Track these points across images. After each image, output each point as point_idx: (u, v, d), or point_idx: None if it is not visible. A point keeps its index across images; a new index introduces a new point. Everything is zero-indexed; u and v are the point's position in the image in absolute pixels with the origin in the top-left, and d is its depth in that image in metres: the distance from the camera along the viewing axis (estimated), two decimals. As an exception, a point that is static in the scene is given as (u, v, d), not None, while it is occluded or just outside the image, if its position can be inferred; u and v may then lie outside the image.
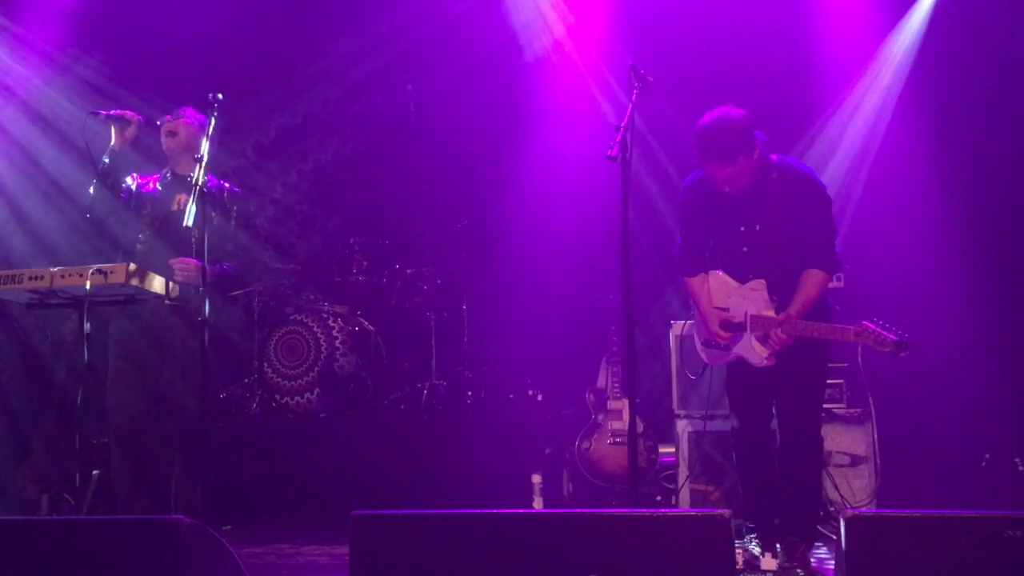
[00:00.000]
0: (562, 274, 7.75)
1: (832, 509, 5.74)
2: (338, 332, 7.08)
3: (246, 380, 7.30)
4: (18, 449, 6.57)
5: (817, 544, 5.04)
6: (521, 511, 3.53)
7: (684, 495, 6.05)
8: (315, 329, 7.06)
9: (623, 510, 4.09)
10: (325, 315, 7.13)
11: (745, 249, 4.79)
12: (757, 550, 4.85)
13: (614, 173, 4.38)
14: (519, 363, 7.58)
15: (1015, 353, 6.90)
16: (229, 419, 6.99)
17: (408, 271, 7.54)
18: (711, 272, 4.91)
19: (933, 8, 7.34)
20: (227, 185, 5.45)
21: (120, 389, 5.13)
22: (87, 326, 4.71)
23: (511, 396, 7.35)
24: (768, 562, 4.75)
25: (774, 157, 4.79)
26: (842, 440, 5.99)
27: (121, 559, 3.17)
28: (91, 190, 5.23)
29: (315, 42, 8.26)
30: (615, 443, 6.39)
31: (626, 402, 6.09)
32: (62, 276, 4.67)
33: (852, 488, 5.92)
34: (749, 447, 4.94)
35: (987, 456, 6.63)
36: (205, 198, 4.70)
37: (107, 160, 5.17)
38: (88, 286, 4.63)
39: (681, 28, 7.48)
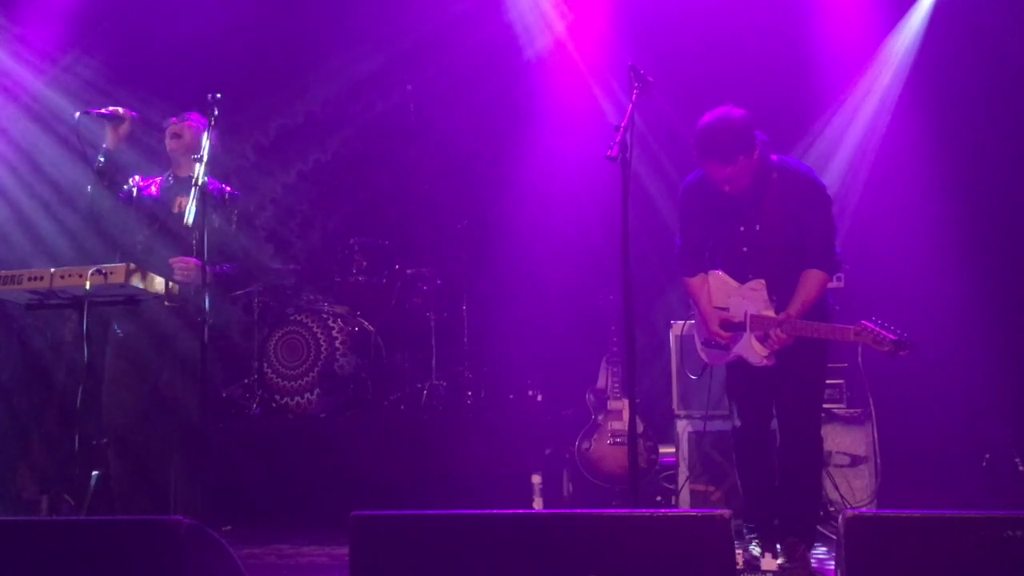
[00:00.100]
0: (562, 274, 7.75)
1: (832, 509, 5.74)
2: (338, 332, 7.07)
3: (246, 380, 7.30)
4: (18, 449, 6.57)
5: (817, 544, 5.03)
6: (521, 511, 3.53)
7: (684, 495, 6.05)
8: (315, 329, 7.06)
9: (623, 510, 4.08)
10: (325, 315, 7.13)
11: (745, 249, 4.79)
12: (757, 550, 4.85)
13: (614, 173, 4.38)
14: (519, 363, 7.58)
15: (1015, 353, 6.90)
16: (229, 419, 6.99)
17: (408, 271, 7.54)
18: (711, 272, 4.91)
19: (933, 8, 7.35)
20: (228, 188, 5.45)
21: (119, 389, 5.13)
22: (86, 326, 4.71)
23: (511, 396, 7.35)
24: (768, 562, 4.75)
25: (774, 157, 4.79)
26: (842, 440, 5.99)
27: (121, 559, 3.17)
28: (88, 190, 5.22)
29: (315, 42, 8.26)
30: (615, 443, 6.39)
31: (626, 402, 6.08)
32: (62, 276, 4.67)
33: (852, 488, 5.92)
34: (749, 447, 4.94)
35: (987, 456, 6.63)
36: (206, 199, 4.70)
37: (102, 160, 5.17)
38: (88, 286, 4.63)
39: (681, 28, 7.49)
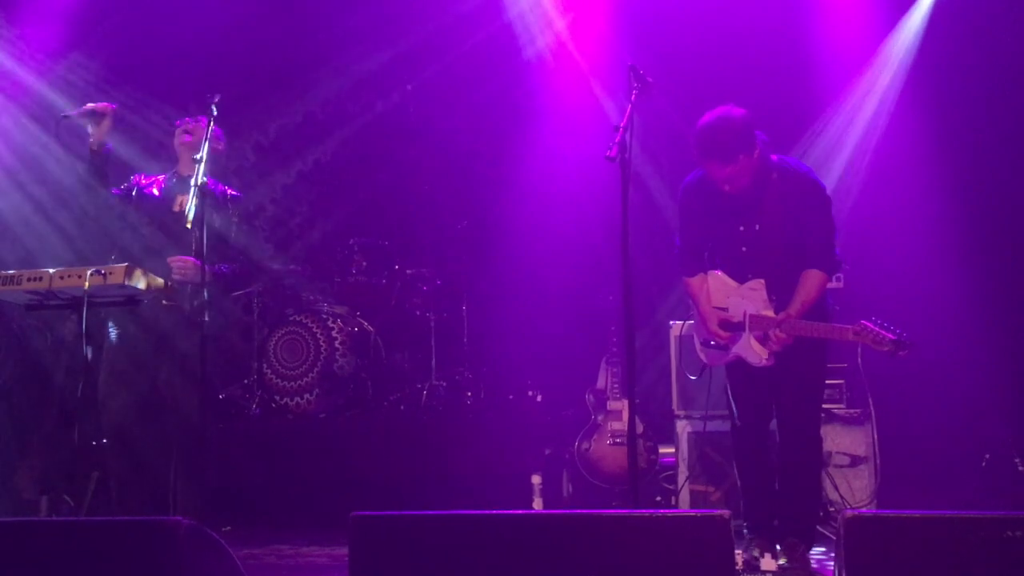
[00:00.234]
0: (562, 274, 7.75)
1: (832, 509, 5.74)
2: (338, 333, 7.07)
3: (245, 381, 7.30)
4: (17, 450, 6.56)
5: (817, 544, 5.03)
6: (521, 512, 3.53)
7: (684, 496, 6.05)
8: (315, 330, 7.06)
9: (623, 511, 4.08)
10: (325, 316, 7.13)
11: (744, 249, 4.78)
12: (757, 551, 4.84)
13: (614, 173, 4.38)
14: (519, 364, 7.58)
15: (1015, 353, 6.90)
16: (228, 420, 6.98)
17: (408, 272, 7.54)
18: (710, 272, 4.90)
19: (932, 8, 7.34)
20: (229, 190, 5.46)
21: (118, 390, 5.13)
22: (86, 327, 4.70)
23: (511, 397, 7.35)
24: (768, 563, 4.74)
25: (774, 157, 4.79)
26: (842, 440, 5.99)
27: (120, 560, 3.17)
28: (81, 192, 5.23)
29: (315, 42, 8.26)
30: (615, 444, 6.39)
31: (626, 402, 6.08)
32: (61, 277, 4.67)
33: (852, 488, 5.92)
34: (749, 447, 4.93)
35: (987, 456, 6.63)
36: (207, 200, 4.71)
37: (89, 160, 5.16)
38: (87, 287, 4.62)
39: (681, 28, 7.49)
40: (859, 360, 5.71)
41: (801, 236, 4.71)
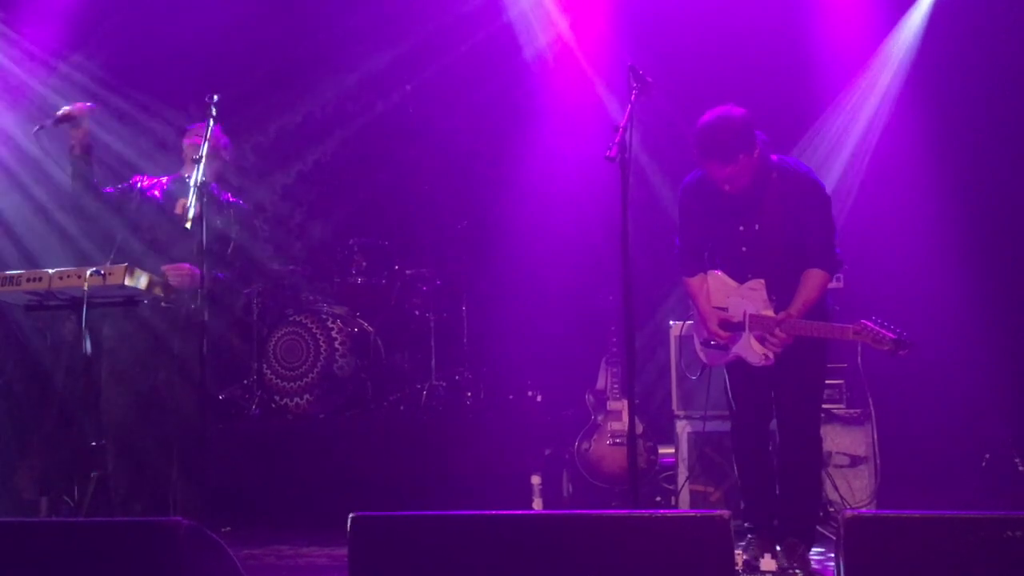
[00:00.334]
0: (562, 274, 7.75)
1: (832, 510, 5.74)
2: (337, 333, 7.07)
3: (245, 381, 7.30)
4: (17, 450, 6.56)
5: (817, 545, 5.02)
6: (521, 512, 3.53)
7: (684, 496, 6.05)
8: (314, 330, 7.06)
9: (623, 511, 4.08)
10: (324, 316, 7.13)
11: (744, 249, 4.78)
12: (757, 551, 4.84)
13: (614, 173, 4.38)
14: (519, 364, 7.58)
15: (1015, 353, 6.90)
16: (228, 420, 6.98)
17: (407, 272, 7.54)
18: (710, 272, 4.90)
19: (932, 8, 7.34)
20: (232, 198, 5.48)
21: (117, 390, 5.13)
22: (85, 328, 4.71)
23: (511, 397, 7.34)
24: (767, 563, 4.74)
25: (774, 157, 4.79)
26: (842, 440, 5.99)
27: (120, 561, 3.16)
28: (75, 195, 5.23)
29: (315, 43, 8.25)
30: (615, 444, 6.38)
31: (625, 403, 6.08)
32: (60, 278, 4.67)
33: (852, 488, 5.91)
34: (748, 448, 4.93)
35: (987, 456, 6.62)
36: (211, 204, 4.72)
37: (72, 165, 5.15)
38: (86, 287, 4.62)
39: (681, 28, 7.49)
40: (859, 360, 5.71)
41: (801, 236, 4.70)
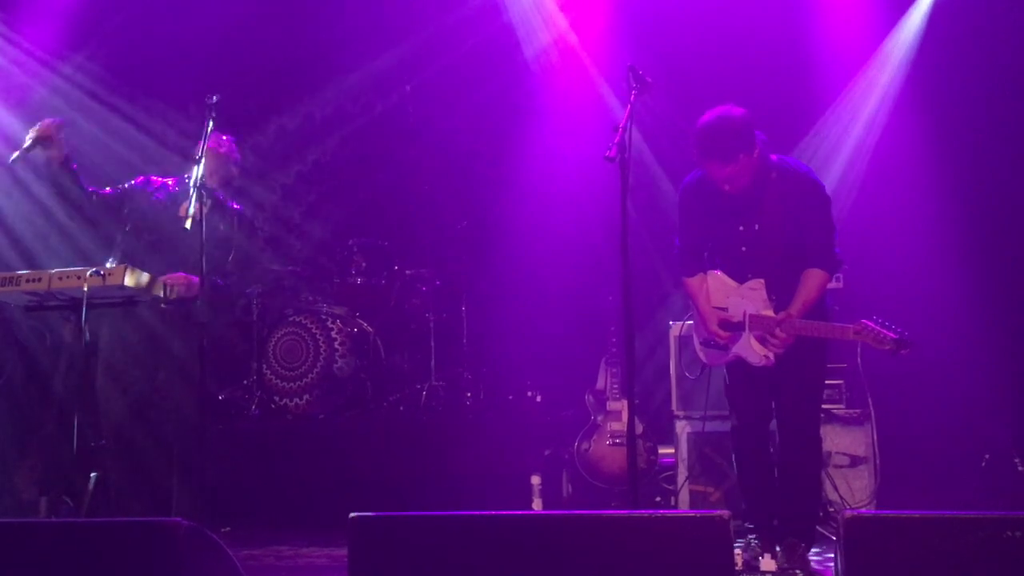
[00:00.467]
0: (562, 274, 7.74)
1: (832, 510, 5.74)
2: (337, 333, 7.07)
3: (245, 382, 7.29)
4: (17, 451, 6.56)
5: (816, 545, 5.02)
6: (520, 512, 3.52)
7: (683, 496, 6.05)
8: (314, 330, 7.06)
9: (622, 511, 4.08)
10: (324, 316, 7.13)
11: (744, 249, 4.78)
12: (757, 551, 4.84)
13: (614, 173, 4.38)
14: (518, 364, 7.57)
15: (1015, 353, 6.89)
16: (228, 421, 6.98)
17: (407, 272, 7.54)
18: (709, 272, 4.90)
19: (932, 7, 7.34)
20: (236, 206, 5.49)
21: (117, 391, 5.13)
22: (85, 328, 4.70)
23: (510, 397, 7.34)
24: (767, 563, 4.74)
25: (773, 157, 4.79)
26: (841, 441, 5.99)
27: (119, 561, 3.16)
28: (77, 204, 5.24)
29: (314, 43, 8.25)
30: (614, 444, 6.38)
31: (625, 403, 6.08)
32: (60, 278, 4.66)
33: (852, 489, 5.91)
34: (748, 448, 4.93)
35: (987, 456, 6.62)
36: (216, 209, 4.72)
37: (53, 184, 5.14)
38: (86, 288, 4.62)
39: (681, 28, 7.48)
40: (859, 360, 5.71)
41: (801, 236, 4.70)
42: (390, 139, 8.52)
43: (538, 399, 7.17)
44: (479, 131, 8.30)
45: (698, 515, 3.06)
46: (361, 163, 8.68)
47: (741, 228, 4.77)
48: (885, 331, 4.53)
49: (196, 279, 4.83)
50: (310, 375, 6.99)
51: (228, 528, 5.90)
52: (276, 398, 7.00)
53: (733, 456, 5.07)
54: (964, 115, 7.07)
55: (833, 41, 7.43)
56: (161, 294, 4.91)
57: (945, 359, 6.64)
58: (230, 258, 5.35)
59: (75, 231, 6.76)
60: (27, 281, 4.69)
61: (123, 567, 3.16)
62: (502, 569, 3.07)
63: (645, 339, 7.24)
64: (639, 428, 5.88)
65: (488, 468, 6.36)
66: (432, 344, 7.32)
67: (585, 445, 6.47)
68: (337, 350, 7.03)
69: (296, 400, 6.98)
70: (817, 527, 5.07)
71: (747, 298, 4.76)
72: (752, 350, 4.74)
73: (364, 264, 7.48)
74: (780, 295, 4.71)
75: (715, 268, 4.88)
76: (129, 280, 4.69)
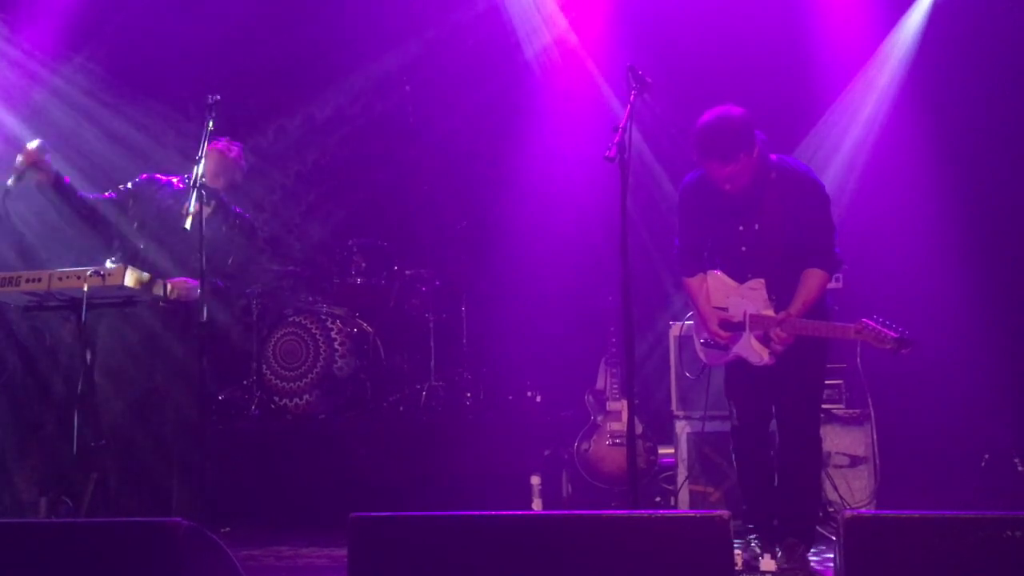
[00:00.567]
0: (562, 275, 7.74)
1: (831, 510, 5.74)
2: (337, 334, 7.07)
3: (244, 382, 7.29)
4: (17, 451, 6.56)
5: (816, 545, 5.02)
6: (520, 513, 3.52)
7: (683, 496, 6.05)
8: (314, 331, 7.06)
9: (622, 512, 4.08)
10: (324, 317, 7.13)
11: (744, 248, 4.78)
12: (757, 551, 4.84)
13: (614, 173, 4.38)
14: (518, 364, 7.57)
15: (1015, 353, 6.89)
16: (228, 421, 6.98)
17: (407, 272, 7.54)
18: (709, 272, 4.90)
19: (932, 7, 7.34)
20: (239, 211, 5.50)
21: (116, 391, 5.13)
22: (85, 328, 4.70)
23: (510, 397, 7.34)
24: (767, 563, 4.74)
25: (773, 157, 4.79)
26: (841, 441, 5.99)
27: (119, 561, 3.16)
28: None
29: (314, 43, 8.25)
30: (614, 444, 6.38)
31: (625, 403, 6.08)
32: (59, 278, 4.66)
33: (851, 489, 5.91)
34: (748, 448, 4.93)
35: (987, 456, 6.62)
36: (219, 212, 4.72)
37: (50, 201, 5.15)
38: (86, 288, 4.62)
39: (681, 28, 7.49)
40: (858, 360, 5.71)
41: (801, 235, 4.70)
42: (390, 139, 8.52)
43: (538, 399, 7.17)
44: (479, 131, 8.30)
45: (698, 515, 3.06)
46: (361, 163, 8.69)
47: (741, 228, 4.77)
48: (886, 330, 4.53)
49: (196, 283, 4.82)
50: (310, 375, 6.99)
51: (228, 528, 5.90)
52: (276, 398, 7.00)
53: (733, 456, 5.07)
54: (964, 115, 7.07)
55: (833, 41, 7.43)
56: (161, 293, 4.91)
57: (945, 359, 6.64)
58: (230, 261, 5.36)
59: (78, 236, 6.77)
60: (27, 281, 4.69)
61: (123, 567, 3.15)
62: (502, 569, 3.07)
63: (645, 339, 7.24)
64: (639, 428, 5.88)
65: (488, 468, 6.36)
66: (432, 344, 7.32)
67: (585, 445, 6.47)
68: (337, 350, 7.03)
69: (296, 400, 6.98)
70: (817, 527, 5.07)
71: (747, 298, 4.76)
72: (752, 350, 4.74)
73: (364, 264, 7.49)
74: (780, 295, 4.71)
75: (715, 268, 4.88)
76: (129, 280, 4.69)
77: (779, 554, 4.76)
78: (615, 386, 6.52)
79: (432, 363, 7.29)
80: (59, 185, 5.10)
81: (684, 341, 6.05)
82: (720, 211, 4.80)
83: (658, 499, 6.43)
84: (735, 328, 4.80)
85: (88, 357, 4.88)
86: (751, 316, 4.73)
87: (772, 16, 7.41)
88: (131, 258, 5.14)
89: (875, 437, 5.89)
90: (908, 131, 7.26)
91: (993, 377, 6.78)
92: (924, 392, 6.75)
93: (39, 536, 3.32)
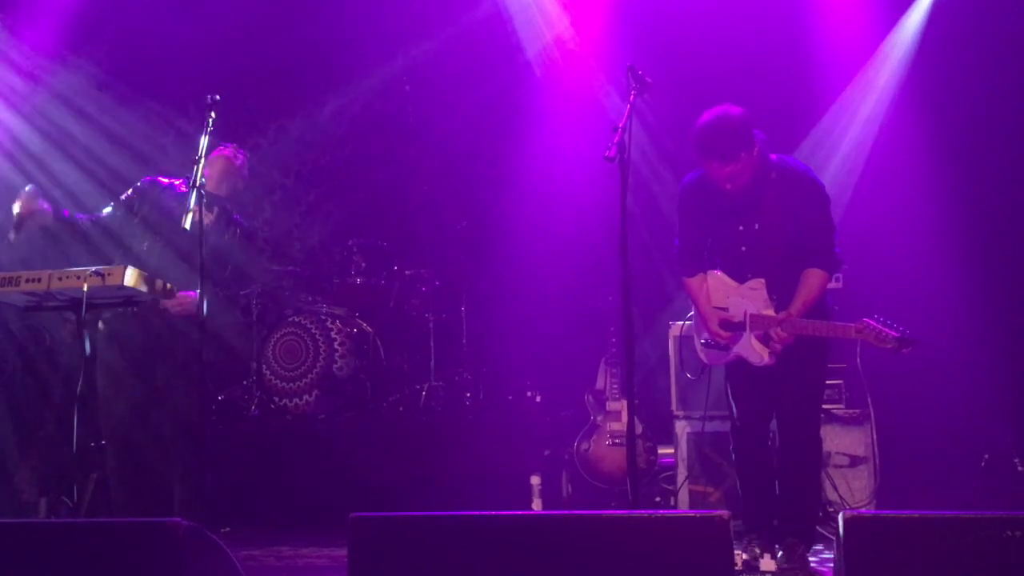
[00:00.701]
0: (562, 274, 7.74)
1: (831, 510, 5.73)
2: (336, 334, 7.07)
3: (244, 382, 7.30)
4: (17, 451, 6.56)
5: (816, 545, 5.02)
6: (520, 513, 3.52)
7: (683, 496, 6.04)
8: (313, 331, 7.06)
9: (622, 512, 4.08)
10: (323, 317, 7.13)
11: (744, 248, 4.78)
12: (756, 551, 4.83)
13: (614, 173, 4.38)
14: (518, 364, 7.57)
15: (1015, 353, 6.89)
16: (227, 421, 6.98)
17: (407, 272, 7.54)
18: (710, 272, 4.90)
19: (932, 7, 7.34)
20: (239, 218, 5.51)
21: (116, 391, 5.13)
22: (85, 329, 4.70)
23: (510, 397, 7.34)
24: (767, 563, 4.73)
25: (773, 156, 4.79)
26: (841, 441, 5.99)
27: (119, 562, 3.16)
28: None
29: (314, 43, 8.25)
30: (614, 444, 6.38)
31: (625, 403, 6.07)
32: (59, 278, 4.65)
33: (851, 489, 5.91)
34: (748, 448, 4.93)
35: (987, 456, 6.62)
36: (221, 218, 4.71)
37: (55, 235, 5.17)
38: (85, 288, 4.61)
39: (681, 28, 7.49)
40: (858, 360, 5.70)
41: (801, 235, 4.70)
42: (390, 139, 8.52)
43: (538, 399, 7.17)
44: (479, 131, 8.30)
45: (698, 515, 3.06)
46: (361, 163, 8.69)
47: (741, 228, 4.77)
48: (887, 329, 4.53)
49: (195, 295, 4.82)
50: (310, 375, 6.99)
51: (228, 528, 5.90)
52: (276, 398, 7.00)
53: (733, 456, 5.07)
54: (964, 114, 7.08)
55: (833, 41, 7.43)
56: (161, 293, 4.91)
57: (945, 359, 6.64)
58: (229, 269, 5.36)
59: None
60: (26, 281, 4.67)
61: (123, 567, 3.15)
62: (502, 569, 3.07)
63: (645, 339, 7.24)
64: (639, 428, 5.88)
65: (488, 468, 6.36)
66: (432, 344, 7.32)
67: (585, 445, 6.47)
68: (337, 350, 7.02)
69: (296, 400, 6.98)
70: (817, 527, 5.06)
71: (747, 298, 4.76)
72: (753, 350, 4.74)
73: (364, 264, 7.49)
74: (781, 295, 4.71)
75: (715, 268, 4.88)
76: (129, 280, 4.68)
77: (779, 554, 4.75)
78: (615, 386, 6.52)
79: (432, 363, 7.29)
80: (61, 220, 5.13)
81: (684, 341, 6.05)
82: (720, 211, 4.80)
83: (658, 499, 6.43)
84: (735, 328, 4.80)
85: (88, 357, 4.87)
86: (751, 316, 4.73)
87: (772, 16, 7.41)
88: (134, 257, 5.14)
89: (875, 437, 5.89)
90: (908, 131, 7.26)
91: (993, 377, 6.78)
92: (924, 392, 6.75)
93: (39, 536, 3.32)
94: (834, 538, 3.74)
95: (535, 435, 6.74)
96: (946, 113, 7.12)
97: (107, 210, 5.34)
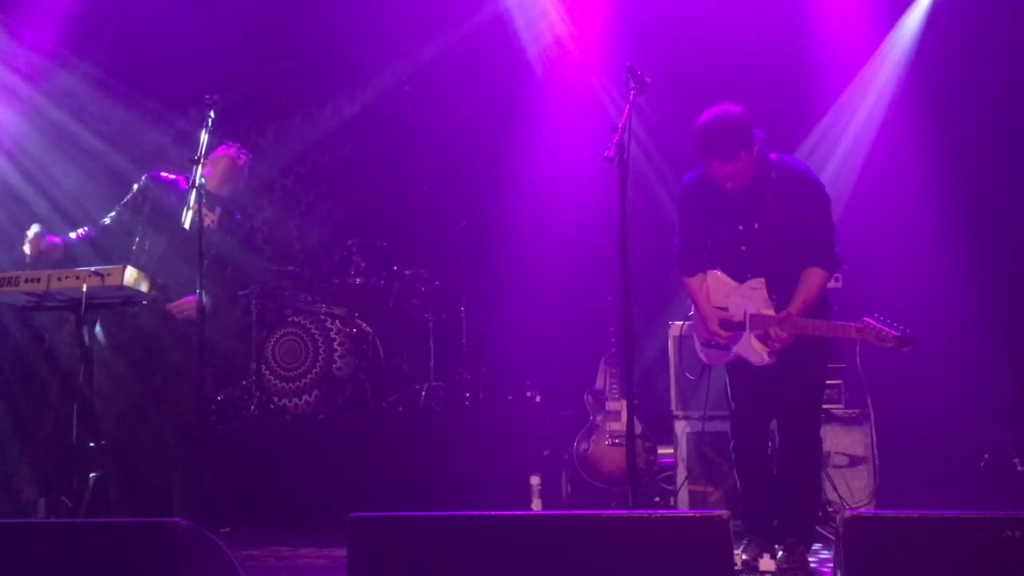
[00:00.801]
0: (561, 274, 7.74)
1: (831, 510, 5.74)
2: (336, 334, 7.06)
3: (244, 382, 7.30)
4: (16, 451, 6.56)
5: (816, 545, 5.02)
6: (520, 513, 3.52)
7: (683, 496, 6.05)
8: (313, 331, 7.05)
9: (621, 512, 4.08)
10: (323, 317, 7.12)
11: (744, 248, 4.78)
12: (756, 551, 4.83)
13: (614, 173, 4.38)
14: (518, 364, 7.57)
15: (1015, 353, 6.89)
16: (227, 421, 6.98)
17: (406, 272, 7.53)
18: (709, 272, 4.89)
19: (931, 7, 7.35)
20: (239, 218, 5.52)
21: (115, 391, 5.12)
22: (84, 329, 4.70)
23: (509, 397, 7.34)
24: (767, 563, 4.73)
25: (773, 156, 4.79)
26: (841, 441, 5.99)
27: (119, 562, 3.16)
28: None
29: (314, 43, 8.25)
30: (613, 444, 6.38)
31: (624, 403, 6.07)
32: (59, 279, 4.65)
33: (851, 489, 5.91)
34: (748, 448, 4.92)
35: (987, 456, 6.62)
36: (223, 219, 4.71)
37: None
38: (85, 288, 4.61)
39: (681, 28, 7.49)
40: (858, 360, 5.69)
41: (801, 235, 4.70)
42: (390, 139, 8.52)
43: (538, 399, 7.17)
44: (479, 131, 8.30)
45: (698, 515, 3.06)
46: (361, 163, 8.69)
47: (741, 227, 4.77)
48: (887, 329, 4.53)
49: (195, 299, 4.81)
50: (309, 375, 6.98)
51: (228, 528, 5.89)
52: (275, 398, 6.99)
53: (733, 456, 5.07)
54: (964, 114, 7.08)
55: (833, 41, 7.43)
56: (160, 293, 4.91)
57: (945, 359, 6.64)
58: (227, 273, 5.36)
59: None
60: (26, 281, 4.67)
61: (123, 567, 3.15)
62: (502, 569, 3.07)
63: (645, 339, 7.24)
64: (638, 428, 5.88)
65: (488, 468, 6.36)
66: (431, 344, 7.31)
67: (584, 445, 6.47)
68: (336, 350, 7.02)
69: (295, 400, 6.98)
70: (817, 527, 5.06)
71: (747, 297, 4.76)
72: (753, 350, 4.74)
73: (363, 264, 7.48)
74: (781, 294, 4.71)
75: (715, 268, 4.88)
76: (128, 280, 4.68)
77: (779, 554, 4.75)
78: (614, 386, 6.52)
79: (431, 363, 7.28)
80: (72, 247, 5.16)
81: (684, 341, 6.05)
82: (720, 210, 4.79)
83: (658, 499, 6.43)
84: (735, 328, 4.80)
85: (87, 357, 4.87)
86: (751, 316, 4.73)
87: (772, 16, 7.41)
88: (137, 260, 5.14)
89: (875, 437, 5.89)
90: (907, 131, 7.26)
91: (993, 377, 6.78)
92: (924, 392, 6.75)
93: (39, 536, 3.32)
94: (834, 538, 3.74)
95: (535, 435, 6.74)
96: (945, 113, 7.12)
97: (111, 215, 5.33)
